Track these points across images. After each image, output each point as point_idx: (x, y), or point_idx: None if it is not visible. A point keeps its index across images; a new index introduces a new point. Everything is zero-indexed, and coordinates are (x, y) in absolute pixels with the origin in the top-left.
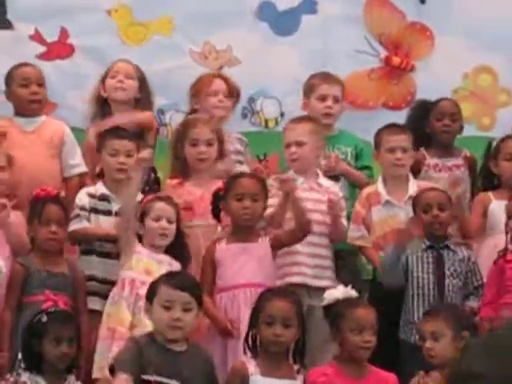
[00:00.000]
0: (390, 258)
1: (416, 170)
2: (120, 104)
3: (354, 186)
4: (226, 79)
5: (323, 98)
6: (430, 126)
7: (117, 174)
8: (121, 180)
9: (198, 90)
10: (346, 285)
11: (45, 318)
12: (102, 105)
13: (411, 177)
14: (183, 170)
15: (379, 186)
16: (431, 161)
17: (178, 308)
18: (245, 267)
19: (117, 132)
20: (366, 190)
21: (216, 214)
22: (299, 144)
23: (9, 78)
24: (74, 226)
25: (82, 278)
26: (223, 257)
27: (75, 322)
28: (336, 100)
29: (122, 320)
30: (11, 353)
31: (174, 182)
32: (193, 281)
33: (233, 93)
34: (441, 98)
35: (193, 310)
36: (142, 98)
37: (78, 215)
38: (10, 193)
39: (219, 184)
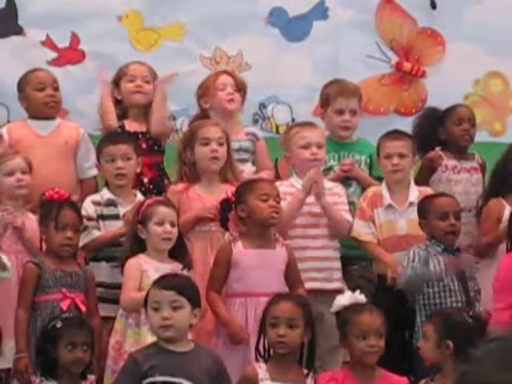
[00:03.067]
0: (418, 277)
1: (431, 170)
2: (137, 107)
3: None
4: (231, 73)
5: (340, 112)
6: (446, 132)
7: (117, 180)
8: (122, 185)
9: (206, 87)
10: (354, 290)
11: (59, 324)
12: (115, 107)
13: (412, 183)
14: (191, 175)
15: (383, 188)
16: (449, 162)
17: (165, 307)
18: (266, 275)
19: (111, 138)
20: (372, 189)
21: (225, 224)
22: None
23: (23, 82)
24: (83, 240)
25: (93, 278)
26: (242, 260)
27: (89, 326)
28: (353, 113)
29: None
30: (29, 352)
31: (179, 187)
32: (181, 280)
33: (240, 86)
34: (456, 104)
35: (183, 309)
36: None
37: (85, 227)
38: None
39: (228, 189)
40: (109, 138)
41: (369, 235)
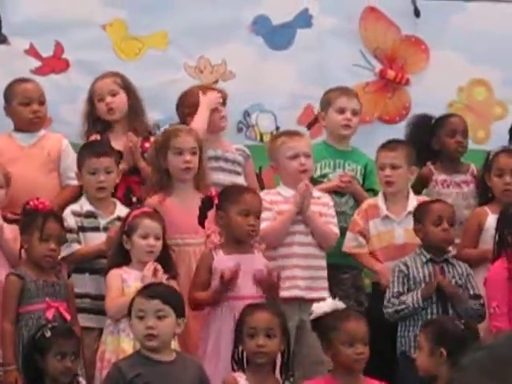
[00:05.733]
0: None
1: (423, 185)
2: (118, 123)
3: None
4: (214, 88)
5: (342, 111)
6: (439, 143)
7: (97, 193)
8: (101, 198)
9: (195, 106)
10: (345, 298)
11: (48, 333)
12: (95, 122)
13: (411, 193)
14: (163, 183)
15: (380, 200)
16: (439, 176)
17: (150, 316)
18: (246, 279)
19: (94, 149)
20: (367, 202)
21: (202, 220)
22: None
23: (9, 93)
24: (64, 252)
25: (72, 288)
26: (223, 267)
27: (76, 335)
28: (354, 113)
29: (124, 351)
30: (16, 365)
31: (155, 200)
32: (166, 289)
33: (225, 100)
34: (448, 113)
35: (168, 318)
36: (133, 106)
37: (65, 240)
38: (4, 208)
39: (213, 188)
40: (92, 149)
41: (356, 248)
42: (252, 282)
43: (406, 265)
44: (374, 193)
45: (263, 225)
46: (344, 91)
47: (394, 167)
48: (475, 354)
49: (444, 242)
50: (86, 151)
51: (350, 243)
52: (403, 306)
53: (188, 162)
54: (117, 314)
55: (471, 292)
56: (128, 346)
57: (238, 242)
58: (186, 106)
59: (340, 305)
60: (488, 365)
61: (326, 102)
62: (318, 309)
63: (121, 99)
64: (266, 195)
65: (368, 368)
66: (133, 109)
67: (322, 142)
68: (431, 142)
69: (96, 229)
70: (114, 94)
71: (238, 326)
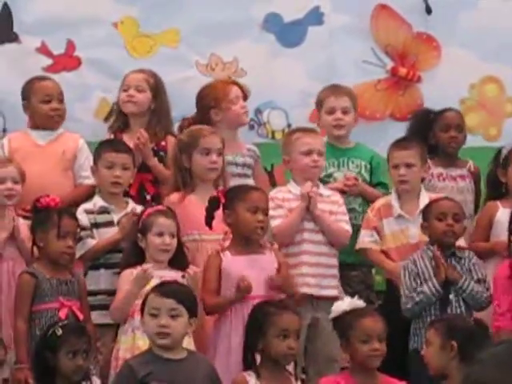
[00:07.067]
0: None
1: (421, 180)
2: (133, 117)
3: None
4: (238, 85)
5: (331, 111)
6: (434, 137)
7: (112, 188)
8: (115, 193)
9: (217, 100)
10: (354, 295)
11: (60, 331)
12: (119, 114)
13: (423, 190)
14: (186, 181)
15: (393, 198)
16: (435, 170)
17: (164, 315)
18: (255, 280)
19: (114, 144)
20: (380, 201)
21: (209, 221)
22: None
23: (28, 90)
24: (80, 251)
25: (84, 284)
26: (232, 268)
27: (87, 333)
28: (345, 111)
29: (139, 348)
30: (28, 364)
31: (174, 198)
32: (181, 289)
33: (246, 97)
34: (445, 108)
35: (181, 317)
36: (157, 109)
37: (80, 238)
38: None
39: (219, 189)
40: (111, 144)
41: (370, 243)
42: (263, 283)
43: (414, 262)
44: (383, 186)
45: (276, 222)
46: (332, 90)
47: (408, 166)
48: (493, 349)
49: (447, 237)
50: (105, 146)
51: (366, 239)
52: (421, 296)
53: (215, 163)
54: (119, 316)
55: (475, 277)
56: (143, 342)
57: (246, 241)
58: (208, 99)
59: (359, 303)
60: (506, 359)
61: (318, 103)
62: (338, 307)
63: (144, 97)
64: (277, 193)
65: (383, 366)
66: (156, 113)
67: (325, 143)
68: (428, 136)
69: (110, 224)
70: (139, 90)
71: (260, 325)
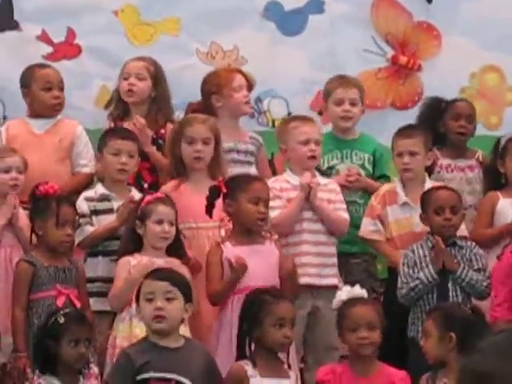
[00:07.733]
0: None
1: (429, 171)
2: (133, 105)
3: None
4: (243, 73)
5: (340, 102)
6: (444, 126)
7: (117, 175)
8: (121, 180)
9: (219, 86)
10: (354, 284)
11: (62, 320)
12: (118, 102)
13: (427, 178)
14: (180, 169)
15: (398, 186)
16: (444, 161)
17: (159, 298)
18: (257, 270)
19: (120, 132)
20: (385, 188)
21: (210, 210)
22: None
23: (29, 78)
24: (78, 238)
25: (83, 271)
26: (233, 259)
27: (88, 321)
28: (353, 103)
29: (137, 336)
30: (27, 352)
31: (169, 187)
32: (175, 273)
33: (251, 87)
34: (456, 98)
35: (176, 300)
36: (158, 97)
37: (79, 225)
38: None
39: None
40: (117, 131)
41: (374, 233)
42: (264, 273)
43: (413, 251)
44: (386, 179)
45: (275, 213)
46: (341, 82)
47: (412, 154)
48: (493, 338)
49: (446, 231)
50: (111, 133)
51: (368, 228)
52: (417, 282)
53: (198, 152)
54: (117, 303)
55: (475, 266)
56: (141, 330)
57: (247, 231)
58: (210, 85)
59: (359, 291)
60: (506, 348)
61: (326, 94)
62: (338, 297)
63: (144, 85)
64: (274, 182)
65: (387, 354)
66: (156, 101)
67: (329, 133)
68: (437, 125)
69: (109, 211)
70: (140, 78)
71: (255, 314)
